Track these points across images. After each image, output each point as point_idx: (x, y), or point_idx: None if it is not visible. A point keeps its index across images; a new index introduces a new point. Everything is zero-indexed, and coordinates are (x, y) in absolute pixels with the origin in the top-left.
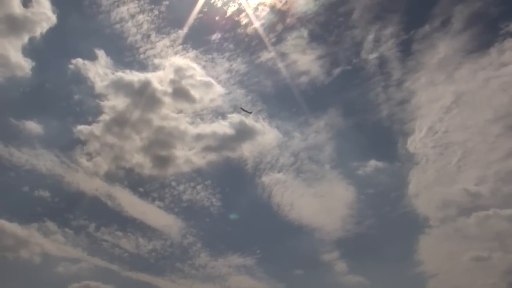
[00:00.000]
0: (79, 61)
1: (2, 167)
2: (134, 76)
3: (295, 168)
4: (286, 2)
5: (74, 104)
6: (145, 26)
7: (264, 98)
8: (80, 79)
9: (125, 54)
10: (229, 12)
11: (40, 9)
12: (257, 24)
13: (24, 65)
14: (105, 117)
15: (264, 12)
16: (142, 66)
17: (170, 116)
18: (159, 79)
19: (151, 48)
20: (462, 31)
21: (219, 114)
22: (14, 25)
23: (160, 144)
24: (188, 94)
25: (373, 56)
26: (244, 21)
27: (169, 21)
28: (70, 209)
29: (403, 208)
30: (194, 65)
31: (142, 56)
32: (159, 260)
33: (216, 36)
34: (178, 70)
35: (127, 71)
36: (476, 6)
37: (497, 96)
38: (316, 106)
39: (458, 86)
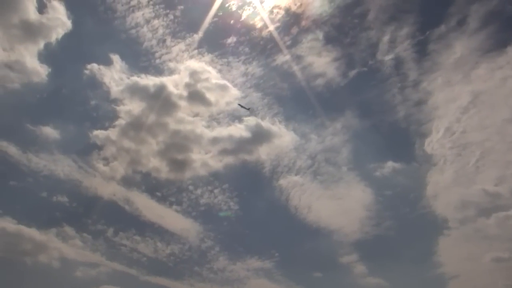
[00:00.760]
0: (94, 66)
1: (20, 173)
2: (149, 81)
3: (313, 171)
4: (301, 5)
5: (90, 109)
6: (161, 31)
7: (280, 101)
8: (95, 84)
9: (141, 59)
10: (244, 16)
11: (55, 15)
12: (272, 27)
13: (40, 71)
14: (121, 121)
15: (279, 15)
16: (158, 71)
17: (186, 119)
18: (174, 83)
19: (166, 53)
20: (479, 30)
21: (235, 117)
22: (29, 31)
23: (177, 148)
24: (203, 97)
25: (389, 57)
26: (259, 24)
27: (185, 26)
28: (88, 214)
29: (421, 210)
30: (209, 68)
31: (158, 61)
32: (177, 264)
33: (231, 40)
34: (193, 74)
35: (142, 75)
36: (492, 4)
37: None
38: (332, 108)
39: (475, 85)
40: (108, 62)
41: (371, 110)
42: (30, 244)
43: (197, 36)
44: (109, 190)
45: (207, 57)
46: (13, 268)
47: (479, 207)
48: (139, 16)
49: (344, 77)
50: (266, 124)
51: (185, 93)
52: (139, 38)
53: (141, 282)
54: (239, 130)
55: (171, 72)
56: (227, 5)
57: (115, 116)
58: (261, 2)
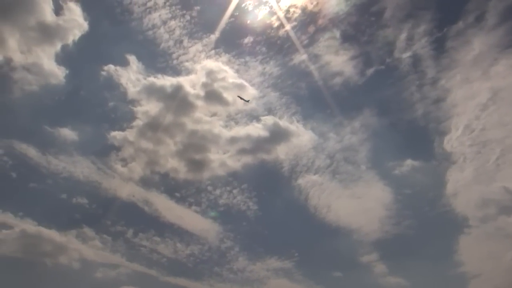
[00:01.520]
0: (111, 67)
1: (40, 175)
2: (166, 81)
3: (331, 170)
4: (317, 4)
5: (107, 110)
6: (178, 31)
7: (298, 100)
8: (112, 85)
9: (158, 60)
10: (260, 16)
11: (72, 17)
12: (289, 26)
13: (58, 72)
14: (138, 122)
15: (295, 14)
16: (175, 71)
17: (204, 119)
18: (191, 83)
19: (184, 54)
20: (497, 26)
21: (253, 117)
22: (46, 33)
23: (194, 148)
24: (220, 97)
25: (406, 55)
26: (275, 24)
27: (201, 26)
28: (107, 215)
29: (441, 208)
30: (226, 67)
31: (175, 62)
32: (197, 265)
33: (248, 40)
34: (210, 73)
35: (159, 76)
36: (510, 0)
37: None
38: (350, 107)
39: (494, 82)
40: (124, 63)
41: (389, 108)
42: (51, 246)
43: (214, 37)
44: (128, 191)
45: (224, 57)
46: (33, 269)
47: (500, 205)
48: (156, 17)
49: (361, 76)
50: (284, 123)
51: (202, 93)
52: (156, 39)
53: (161, 283)
54: (257, 130)
55: (188, 72)
56: (243, 5)
57: (132, 117)
58: (278, 2)
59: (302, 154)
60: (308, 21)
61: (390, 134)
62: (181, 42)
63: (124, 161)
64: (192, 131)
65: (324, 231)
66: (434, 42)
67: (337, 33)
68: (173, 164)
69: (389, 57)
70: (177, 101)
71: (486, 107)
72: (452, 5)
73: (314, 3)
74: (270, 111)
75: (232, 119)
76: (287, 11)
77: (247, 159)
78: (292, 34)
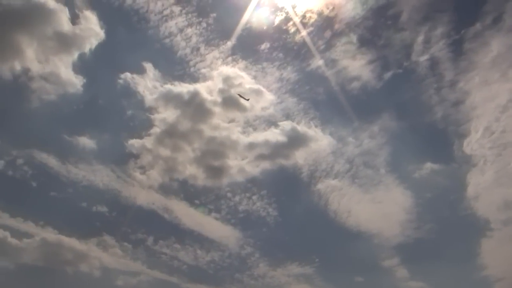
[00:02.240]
0: (127, 75)
1: (60, 184)
2: (183, 88)
3: (351, 175)
4: (333, 8)
5: (125, 118)
6: (194, 39)
7: (316, 105)
8: (129, 93)
9: (175, 67)
10: (276, 21)
11: (88, 25)
12: (305, 31)
13: (75, 81)
14: (156, 130)
15: (312, 19)
16: (192, 78)
17: (221, 125)
18: (208, 89)
19: (201, 61)
20: None
21: (271, 122)
22: (63, 42)
23: (213, 155)
24: (238, 102)
25: (424, 58)
26: (292, 29)
27: (218, 33)
28: (128, 223)
29: (462, 211)
30: (243, 73)
31: (192, 69)
32: (218, 271)
33: (265, 46)
34: (227, 79)
35: (176, 83)
36: None
37: None
38: (369, 111)
39: None
40: (141, 71)
41: (408, 111)
42: (71, 254)
43: (231, 43)
44: (148, 198)
45: (241, 63)
46: (54, 278)
47: None
48: (172, 25)
49: (379, 80)
50: (302, 128)
51: (219, 99)
52: (173, 47)
53: None
54: (275, 135)
55: (205, 79)
56: (259, 11)
57: (150, 124)
58: (294, 7)
59: (321, 159)
60: (325, 26)
61: (409, 137)
62: (198, 49)
63: (143, 169)
64: (210, 137)
65: (344, 236)
66: (452, 45)
67: (354, 38)
68: (192, 171)
69: (406, 60)
70: (194, 107)
71: (506, 109)
72: (469, 7)
73: (330, 8)
74: (288, 116)
75: (250, 125)
76: (303, 16)
77: (266, 164)
78: (308, 39)
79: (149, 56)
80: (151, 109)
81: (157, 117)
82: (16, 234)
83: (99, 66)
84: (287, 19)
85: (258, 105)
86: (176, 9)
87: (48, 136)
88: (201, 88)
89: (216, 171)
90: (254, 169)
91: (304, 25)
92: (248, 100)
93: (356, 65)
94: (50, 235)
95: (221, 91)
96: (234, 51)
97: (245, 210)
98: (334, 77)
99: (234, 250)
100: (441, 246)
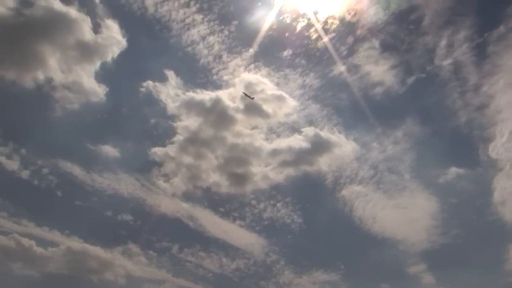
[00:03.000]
0: (149, 83)
1: (85, 193)
2: (205, 95)
3: (375, 181)
4: (355, 14)
5: (148, 126)
6: (216, 47)
7: (339, 111)
8: (152, 101)
9: (198, 75)
10: (298, 28)
11: (110, 34)
12: (327, 37)
13: (98, 90)
14: (179, 137)
15: (333, 25)
16: (214, 86)
17: (244, 132)
18: (230, 96)
19: (223, 69)
20: None
21: (294, 129)
22: (86, 51)
23: (236, 162)
24: (260, 109)
25: (447, 62)
26: (314, 35)
27: (240, 41)
28: (152, 231)
29: (489, 216)
30: (265, 79)
31: (215, 77)
32: (243, 279)
33: (287, 53)
34: (248, 86)
35: (198, 90)
36: None
37: None
38: (392, 116)
39: None
40: (163, 79)
41: (432, 116)
42: (96, 262)
43: (253, 50)
44: (172, 207)
45: (264, 70)
46: (79, 286)
47: None
48: (194, 33)
49: (402, 85)
50: (325, 134)
51: (241, 106)
52: (195, 55)
53: None
54: (298, 141)
55: (227, 85)
56: (281, 17)
57: (172, 132)
58: (315, 14)
59: (345, 165)
60: (347, 31)
61: (433, 142)
62: (220, 57)
63: (166, 177)
64: (233, 144)
65: (370, 242)
66: (475, 48)
67: (376, 43)
68: (215, 179)
69: (429, 65)
70: (217, 115)
71: None
72: (492, 10)
73: (352, 13)
74: (311, 123)
75: (273, 132)
76: (325, 22)
77: (290, 171)
78: (331, 45)
79: (171, 64)
80: (174, 117)
81: (179, 124)
82: (41, 243)
83: (121, 74)
84: (309, 25)
85: (281, 111)
86: (198, 17)
87: (72, 145)
88: (223, 95)
89: (240, 178)
90: (278, 176)
91: (326, 31)
92: (253, 98)
93: (379, 70)
94: (75, 243)
95: (243, 98)
96: (256, 58)
97: (269, 218)
98: (357, 82)
99: (259, 257)
100: (467, 252)
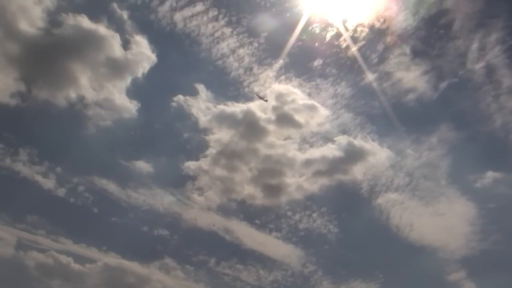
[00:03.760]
0: (180, 97)
1: (121, 209)
2: (236, 108)
3: (411, 188)
4: (384, 21)
5: (180, 140)
6: (247, 59)
7: (372, 119)
8: (183, 115)
9: (230, 88)
10: (328, 37)
11: (140, 50)
12: (357, 46)
13: (129, 106)
14: (211, 151)
15: (363, 33)
16: (246, 98)
17: (277, 143)
18: (261, 108)
19: (254, 81)
20: None
21: (327, 138)
22: (116, 68)
23: (270, 173)
24: (292, 119)
25: (479, 65)
26: (344, 44)
27: (270, 52)
28: (189, 245)
29: None
30: (296, 90)
31: (246, 89)
32: None
33: (317, 62)
34: (279, 96)
35: (229, 103)
36: None
37: None
38: (426, 123)
39: None
40: (194, 93)
41: (466, 121)
42: (133, 278)
43: (283, 61)
44: (208, 220)
45: (295, 81)
46: None
47: None
48: (224, 46)
49: (435, 90)
50: (359, 142)
51: (273, 117)
52: (226, 68)
53: None
54: (331, 151)
55: (258, 97)
56: (310, 28)
57: (205, 145)
58: (344, 22)
59: (380, 173)
60: (377, 39)
61: (468, 147)
62: (251, 69)
63: (201, 190)
64: (266, 156)
65: (408, 250)
66: (508, 50)
67: (407, 49)
68: (250, 191)
69: (461, 69)
70: (249, 126)
71: None
72: None
73: (381, 20)
74: (344, 132)
75: (306, 142)
76: (355, 30)
77: (324, 181)
78: (361, 53)
79: (201, 78)
80: (206, 130)
81: (211, 138)
82: (79, 260)
83: (152, 90)
84: (338, 34)
85: (313, 121)
86: (227, 30)
87: (106, 162)
88: (254, 106)
89: (274, 190)
90: (312, 186)
91: (356, 39)
92: (266, 101)
93: (411, 77)
94: (112, 259)
95: (274, 109)
96: (287, 69)
97: (305, 228)
98: (389, 89)
99: (296, 268)
100: (508, 257)
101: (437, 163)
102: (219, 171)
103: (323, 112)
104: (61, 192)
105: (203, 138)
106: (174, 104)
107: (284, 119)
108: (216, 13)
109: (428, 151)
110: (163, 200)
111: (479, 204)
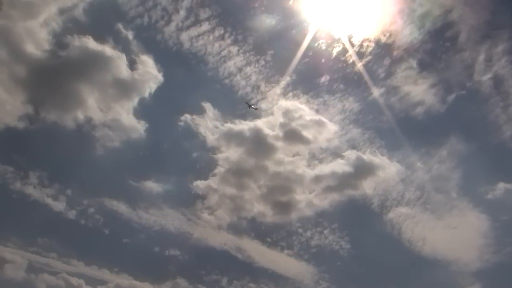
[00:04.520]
0: (187, 116)
1: (132, 230)
2: (243, 125)
3: (423, 201)
4: (390, 35)
5: (188, 160)
6: (254, 77)
7: (381, 134)
8: (191, 134)
9: (237, 107)
10: (334, 53)
11: (146, 69)
12: (364, 61)
13: (137, 126)
14: (220, 169)
15: (369, 48)
16: (254, 115)
17: (286, 160)
18: (269, 125)
19: (262, 98)
20: None
21: (336, 154)
22: (123, 88)
23: (279, 190)
24: (300, 135)
25: (487, 76)
26: (350, 60)
27: (277, 70)
28: (201, 265)
29: None
30: (303, 106)
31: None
32: None
33: (325, 78)
34: (286, 113)
35: (236, 121)
36: None
37: None
38: (435, 136)
39: None
40: (201, 111)
41: (475, 132)
42: None
43: (290, 78)
44: (219, 239)
45: (303, 98)
46: None
47: None
48: (231, 65)
49: (443, 103)
50: (368, 157)
51: (281, 134)
52: (233, 86)
53: None
54: (341, 166)
55: (266, 114)
56: (316, 44)
57: (213, 164)
58: (350, 38)
59: (390, 188)
60: (383, 53)
61: (479, 159)
62: (258, 87)
63: (211, 209)
64: (275, 173)
65: (421, 264)
66: None
67: (414, 63)
68: (259, 208)
69: (469, 81)
70: (257, 144)
71: None
72: None
73: (387, 35)
74: (353, 147)
75: (315, 158)
76: (361, 46)
77: (334, 196)
78: (368, 68)
79: (208, 96)
80: (214, 149)
81: (220, 156)
82: (91, 282)
83: (159, 109)
84: (345, 50)
85: (322, 136)
86: (234, 49)
87: (116, 183)
88: (262, 124)
89: (284, 207)
90: (322, 202)
91: (362, 54)
92: (256, 109)
93: (419, 90)
94: (124, 281)
95: (282, 125)
96: (294, 86)
97: (317, 245)
98: (397, 103)
99: (309, 286)
100: None
101: (447, 175)
102: (228, 190)
103: (332, 127)
104: (72, 214)
105: (212, 157)
106: (181, 123)
107: (292, 136)
108: (222, 32)
109: (438, 164)
110: (173, 220)
111: (492, 216)
